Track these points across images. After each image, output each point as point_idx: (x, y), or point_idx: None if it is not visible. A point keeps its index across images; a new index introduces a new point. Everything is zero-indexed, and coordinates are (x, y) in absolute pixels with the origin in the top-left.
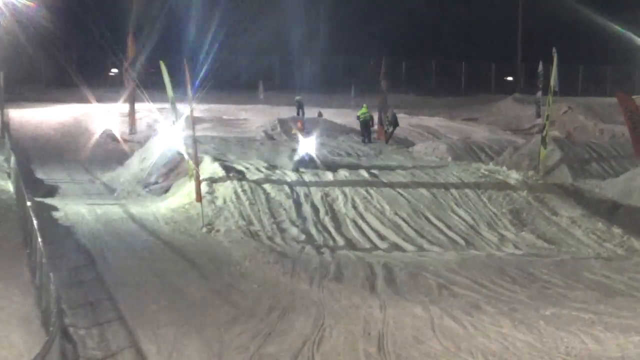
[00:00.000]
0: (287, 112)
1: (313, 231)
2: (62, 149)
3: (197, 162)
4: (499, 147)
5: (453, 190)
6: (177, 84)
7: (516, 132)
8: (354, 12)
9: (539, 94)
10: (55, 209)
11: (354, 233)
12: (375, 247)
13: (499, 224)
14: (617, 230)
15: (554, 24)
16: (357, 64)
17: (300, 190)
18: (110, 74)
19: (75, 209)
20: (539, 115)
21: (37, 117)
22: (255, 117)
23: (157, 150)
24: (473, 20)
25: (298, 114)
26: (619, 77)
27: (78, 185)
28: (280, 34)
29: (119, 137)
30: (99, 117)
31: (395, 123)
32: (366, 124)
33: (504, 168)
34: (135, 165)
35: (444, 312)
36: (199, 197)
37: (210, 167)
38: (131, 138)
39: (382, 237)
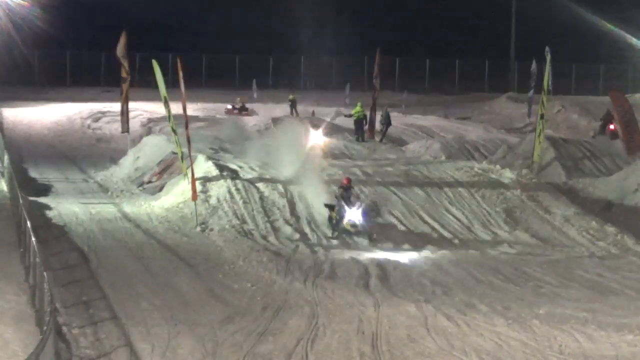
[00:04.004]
0: (281, 111)
1: (307, 230)
2: (56, 148)
3: (192, 161)
4: (493, 146)
5: (447, 189)
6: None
7: (510, 131)
8: (348, 10)
9: (531, 93)
10: (49, 208)
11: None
12: (369, 246)
13: (492, 223)
14: (610, 229)
15: (547, 23)
16: (351, 63)
17: (294, 189)
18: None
19: (69, 208)
20: (530, 115)
21: (31, 116)
22: (249, 116)
23: (151, 149)
24: (466, 19)
25: (292, 113)
26: (612, 76)
27: (72, 184)
28: (273, 33)
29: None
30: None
31: (388, 122)
32: (360, 122)
33: (498, 167)
34: (129, 164)
35: (437, 310)
36: (195, 196)
37: (203, 166)
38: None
39: (376, 236)
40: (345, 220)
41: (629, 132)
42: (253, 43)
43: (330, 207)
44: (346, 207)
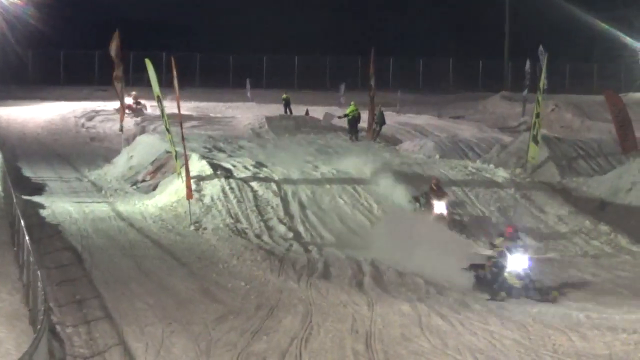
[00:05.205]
0: (274, 110)
1: (301, 229)
2: (50, 146)
3: (187, 160)
4: (487, 145)
5: None
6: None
7: (503, 130)
8: (342, 10)
9: (526, 92)
10: (43, 206)
11: (342, 231)
12: (363, 245)
13: (486, 222)
14: (604, 228)
15: (541, 22)
16: (345, 62)
17: (288, 188)
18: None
19: (63, 207)
20: (524, 114)
21: (25, 115)
22: (243, 115)
23: (145, 148)
24: (460, 18)
25: (285, 112)
26: (605, 75)
27: (65, 183)
28: (267, 32)
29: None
30: None
31: (382, 121)
32: (354, 121)
33: (492, 166)
34: (122, 163)
35: (431, 309)
36: (190, 194)
37: (197, 165)
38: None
39: (369, 235)
40: (506, 272)
41: (624, 131)
42: (247, 42)
43: (477, 266)
44: (508, 255)
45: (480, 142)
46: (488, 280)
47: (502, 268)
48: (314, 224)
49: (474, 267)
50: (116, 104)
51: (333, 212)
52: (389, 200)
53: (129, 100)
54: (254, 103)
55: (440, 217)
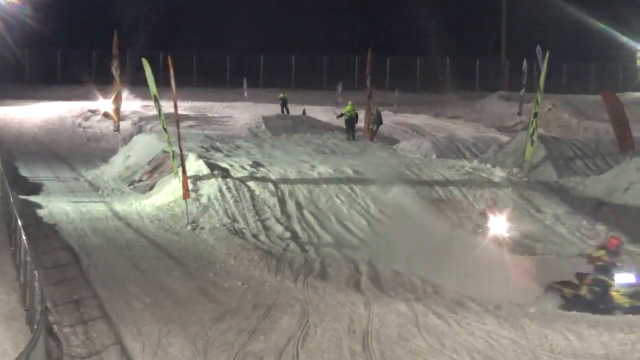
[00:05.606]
0: (272, 109)
1: (297, 229)
2: (47, 146)
3: (183, 159)
4: (484, 145)
5: (437, 188)
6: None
7: (500, 130)
8: (340, 9)
9: (522, 91)
10: (40, 206)
11: (339, 230)
12: (360, 245)
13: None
14: (601, 227)
15: (538, 21)
16: (342, 62)
17: (285, 188)
18: None
19: (60, 206)
20: (520, 113)
21: (22, 114)
22: (240, 115)
23: (142, 148)
24: (457, 18)
25: (282, 111)
26: (603, 75)
27: (62, 183)
28: (265, 32)
29: None
30: None
31: (379, 120)
32: (351, 121)
33: (489, 165)
34: (119, 163)
35: (428, 309)
36: (187, 194)
37: (194, 165)
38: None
39: (366, 235)
40: (614, 288)
41: (621, 131)
42: (245, 42)
43: (561, 285)
44: (614, 272)
45: (478, 142)
46: (588, 301)
47: (606, 286)
48: (311, 223)
49: (556, 286)
50: (95, 105)
51: (330, 212)
52: (386, 200)
53: (106, 106)
54: (251, 103)
55: (498, 239)
